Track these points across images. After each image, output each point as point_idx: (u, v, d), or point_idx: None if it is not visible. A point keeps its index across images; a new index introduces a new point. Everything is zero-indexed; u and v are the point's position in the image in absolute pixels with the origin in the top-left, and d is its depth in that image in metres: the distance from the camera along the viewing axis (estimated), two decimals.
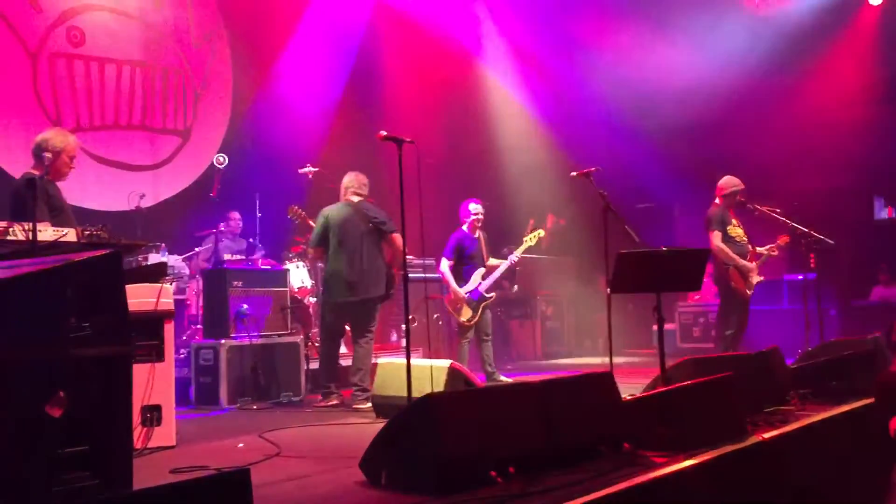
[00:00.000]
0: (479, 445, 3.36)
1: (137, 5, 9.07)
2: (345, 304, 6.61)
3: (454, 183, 10.24)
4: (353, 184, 6.77)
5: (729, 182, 7.44)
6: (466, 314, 7.68)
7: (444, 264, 7.76)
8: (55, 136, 5.24)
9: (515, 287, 11.13)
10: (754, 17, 11.24)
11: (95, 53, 8.71)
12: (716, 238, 7.25)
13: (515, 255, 8.03)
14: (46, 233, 4.35)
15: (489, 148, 11.76)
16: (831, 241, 7.62)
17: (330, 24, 10.50)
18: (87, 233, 4.51)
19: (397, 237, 6.61)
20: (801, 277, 8.80)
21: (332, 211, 6.71)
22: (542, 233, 8.19)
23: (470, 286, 7.71)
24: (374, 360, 6.75)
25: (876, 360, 5.88)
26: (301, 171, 7.90)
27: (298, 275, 8.08)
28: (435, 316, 9.00)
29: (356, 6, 10.89)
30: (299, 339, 7.33)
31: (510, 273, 8.48)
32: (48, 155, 5.02)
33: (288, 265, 8.06)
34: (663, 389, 4.29)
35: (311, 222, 7.08)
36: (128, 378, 3.04)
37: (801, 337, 7.54)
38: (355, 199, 6.73)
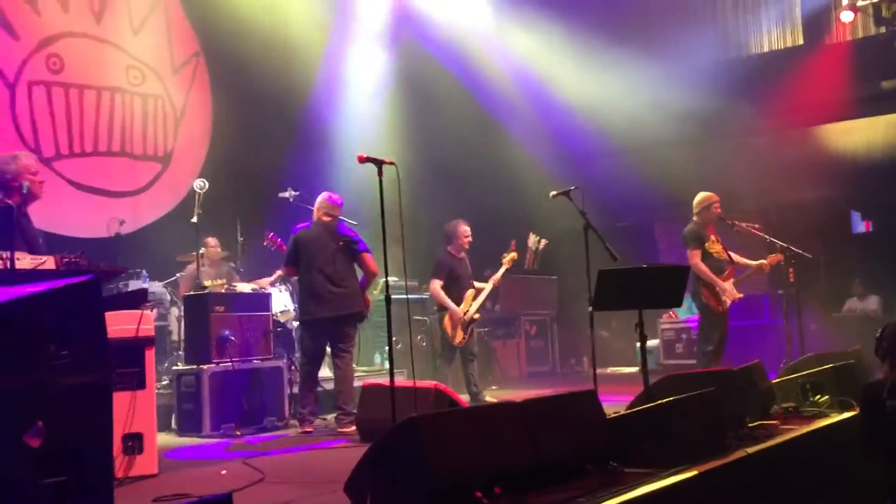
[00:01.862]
0: (465, 466, 3.35)
1: (116, 32, 9.06)
2: (318, 321, 6.59)
3: (435, 203, 10.25)
4: (323, 205, 6.80)
5: (703, 198, 7.50)
6: (459, 335, 7.66)
7: (437, 285, 7.72)
8: (8, 162, 5.07)
9: (497, 306, 11.16)
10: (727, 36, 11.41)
11: (75, 80, 8.69)
12: (694, 257, 7.29)
13: (497, 276, 8.03)
14: (24, 261, 4.31)
15: (470, 167, 11.80)
16: (809, 256, 7.69)
17: (312, 40, 10.54)
18: (66, 260, 4.48)
19: (367, 257, 6.62)
20: (780, 292, 8.86)
21: (302, 231, 6.76)
22: (514, 255, 8.19)
23: (463, 307, 7.70)
24: (358, 383, 6.72)
25: (857, 372, 5.93)
26: (281, 194, 7.89)
27: (281, 299, 8.04)
28: (419, 337, 8.98)
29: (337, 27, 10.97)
30: (282, 363, 7.29)
31: (492, 292, 8.50)
32: (9, 178, 4.92)
33: (270, 289, 8.02)
34: (647, 406, 4.29)
35: (285, 248, 7.10)
36: (108, 406, 3.01)
37: (783, 351, 7.59)
38: (326, 219, 6.75)
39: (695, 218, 7.49)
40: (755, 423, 4.88)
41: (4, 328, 2.78)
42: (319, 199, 6.87)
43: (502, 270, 8.02)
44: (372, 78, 11.36)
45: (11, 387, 2.76)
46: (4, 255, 4.13)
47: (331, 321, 6.59)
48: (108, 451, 3.14)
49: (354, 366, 7.00)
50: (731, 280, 7.33)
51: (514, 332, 11.54)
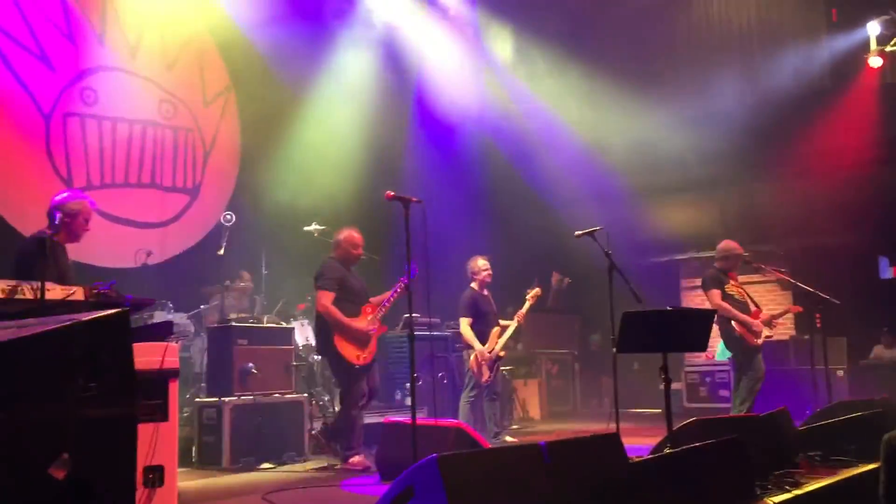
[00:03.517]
0: None
1: (149, 66, 9.24)
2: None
3: (458, 241, 10.29)
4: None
5: (727, 247, 7.47)
6: (486, 373, 7.60)
7: (466, 323, 7.68)
8: (71, 200, 5.33)
9: (520, 345, 11.10)
10: (754, 78, 11.43)
11: (108, 113, 8.85)
12: (715, 297, 7.24)
13: (522, 313, 7.99)
14: (54, 291, 4.37)
15: (492, 206, 11.85)
16: (837, 301, 7.60)
17: (341, 81, 10.69)
18: (95, 291, 4.53)
19: (318, 295, 6.64)
20: (806, 337, 8.76)
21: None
22: (538, 291, 8.16)
23: (489, 345, 7.66)
24: (379, 419, 6.70)
25: (886, 421, 5.82)
26: (306, 228, 7.96)
27: (304, 333, 8.07)
28: (440, 374, 8.96)
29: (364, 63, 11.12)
30: (304, 397, 7.29)
31: (516, 330, 8.46)
32: (61, 216, 5.09)
33: (293, 323, 8.05)
34: (672, 452, 4.24)
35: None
36: (133, 439, 3.02)
37: (810, 398, 7.48)
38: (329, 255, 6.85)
39: (715, 264, 7.47)
40: (781, 472, 4.80)
41: (33, 360, 2.81)
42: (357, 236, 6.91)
43: (526, 307, 7.98)
44: (399, 113, 11.47)
45: (38, 418, 2.79)
46: (35, 286, 4.19)
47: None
48: (132, 484, 3.14)
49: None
50: (760, 320, 7.28)
51: (534, 372, 11.47)
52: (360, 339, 6.55)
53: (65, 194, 5.51)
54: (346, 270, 6.72)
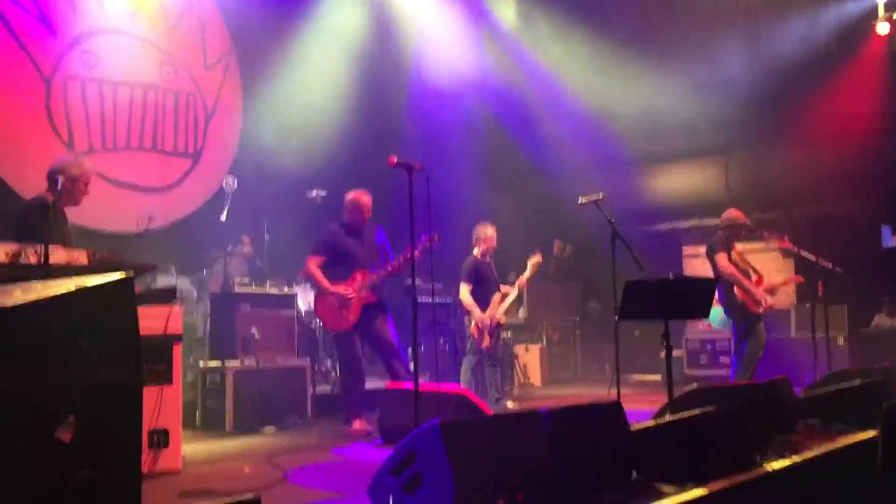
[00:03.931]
0: (489, 473, 3.35)
1: (151, 29, 9.17)
2: None
3: (460, 208, 10.26)
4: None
5: (732, 216, 7.45)
6: (486, 339, 7.63)
7: (466, 290, 7.68)
8: (72, 164, 5.31)
9: (521, 312, 11.14)
10: (759, 44, 11.32)
11: (109, 76, 8.79)
12: (721, 258, 7.22)
13: (523, 280, 8.00)
14: (58, 255, 4.36)
15: (494, 174, 11.80)
16: (839, 270, 7.60)
17: (342, 45, 10.60)
18: (98, 256, 4.53)
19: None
20: (808, 305, 8.77)
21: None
22: (539, 259, 8.15)
23: (490, 311, 7.67)
24: (381, 384, 6.74)
25: (886, 389, 5.84)
26: (309, 194, 7.93)
27: (307, 298, 8.09)
28: (441, 340, 8.99)
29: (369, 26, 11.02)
30: (306, 362, 7.33)
31: (517, 297, 8.47)
32: (62, 180, 5.07)
33: (296, 288, 8.06)
34: (672, 419, 4.26)
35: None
36: (138, 403, 3.04)
37: (810, 366, 7.50)
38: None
39: (720, 232, 7.46)
40: (780, 439, 4.83)
41: (39, 325, 2.82)
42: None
43: (527, 274, 7.99)
44: (401, 78, 11.39)
45: (43, 382, 2.80)
46: (38, 250, 4.18)
47: None
48: (137, 447, 3.17)
49: None
50: (762, 288, 7.28)
51: (536, 338, 11.52)
52: (337, 304, 6.45)
53: (65, 158, 5.49)
54: (344, 234, 6.64)
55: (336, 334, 6.57)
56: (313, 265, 6.51)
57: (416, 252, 5.99)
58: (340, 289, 6.45)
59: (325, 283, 6.46)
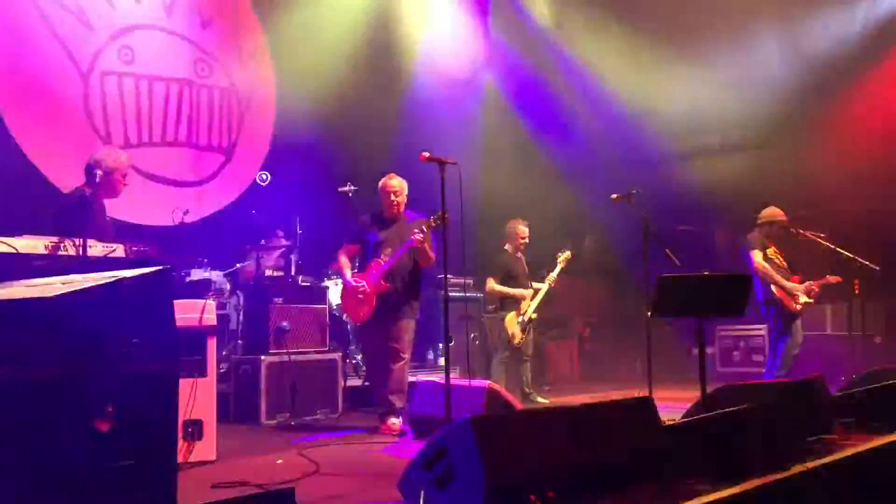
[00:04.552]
0: (520, 469, 3.35)
1: (186, 25, 9.25)
2: None
3: (493, 204, 10.24)
4: None
5: (771, 213, 7.39)
6: (518, 335, 7.63)
7: (493, 283, 7.69)
8: (108, 156, 5.40)
9: (552, 307, 11.09)
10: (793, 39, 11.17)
11: (145, 71, 8.89)
12: (757, 256, 7.16)
13: (553, 276, 7.99)
14: (96, 248, 4.44)
15: (526, 169, 11.76)
16: (876, 268, 7.49)
17: (376, 42, 10.64)
18: (135, 249, 4.60)
19: None
20: (844, 303, 8.65)
21: None
22: (570, 255, 8.13)
23: (521, 307, 7.67)
24: (411, 378, 6.74)
25: None
26: (341, 189, 7.96)
27: (338, 291, 8.13)
28: (472, 335, 9.00)
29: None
30: (337, 355, 7.38)
31: (548, 292, 8.46)
32: (99, 173, 5.15)
33: (327, 282, 8.12)
34: (705, 416, 4.24)
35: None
36: (174, 394, 3.09)
37: (846, 364, 7.41)
38: None
39: (756, 229, 7.39)
40: (815, 438, 4.78)
41: (79, 316, 2.87)
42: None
43: (558, 270, 7.98)
44: (433, 78, 11.39)
45: (83, 373, 2.86)
46: (77, 243, 4.26)
47: None
48: (173, 437, 3.22)
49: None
50: (801, 287, 7.21)
51: (567, 334, 11.47)
52: (355, 295, 6.34)
53: (102, 150, 5.57)
54: (369, 222, 6.54)
55: (357, 327, 6.58)
56: (341, 256, 6.53)
57: (415, 243, 5.99)
58: (353, 280, 6.38)
59: (343, 273, 6.45)
